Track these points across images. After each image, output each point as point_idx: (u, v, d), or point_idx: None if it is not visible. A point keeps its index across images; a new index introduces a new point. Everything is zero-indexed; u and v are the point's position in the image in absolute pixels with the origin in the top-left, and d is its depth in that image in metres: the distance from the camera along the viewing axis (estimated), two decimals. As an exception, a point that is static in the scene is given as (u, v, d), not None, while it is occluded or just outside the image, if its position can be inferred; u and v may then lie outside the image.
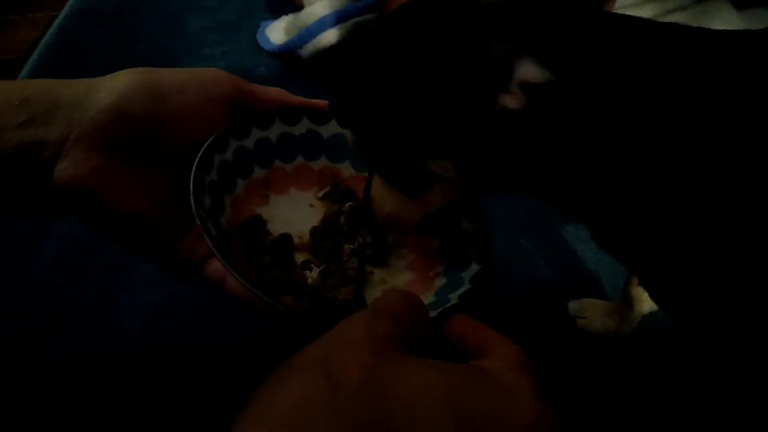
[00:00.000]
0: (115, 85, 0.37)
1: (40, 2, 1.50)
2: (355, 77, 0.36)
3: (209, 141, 0.38)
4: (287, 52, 0.84)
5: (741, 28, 0.84)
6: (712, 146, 0.31)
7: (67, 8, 1.00)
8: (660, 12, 0.87)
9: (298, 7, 0.87)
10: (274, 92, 0.43)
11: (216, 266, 0.40)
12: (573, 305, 0.56)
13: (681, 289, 0.37)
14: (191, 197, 0.36)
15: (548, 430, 0.28)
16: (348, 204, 0.44)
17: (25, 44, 1.28)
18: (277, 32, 0.88)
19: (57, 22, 0.97)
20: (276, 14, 0.92)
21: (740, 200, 0.31)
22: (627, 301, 0.53)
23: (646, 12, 0.87)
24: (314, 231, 0.43)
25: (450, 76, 0.32)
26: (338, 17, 0.79)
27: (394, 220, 0.40)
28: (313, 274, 0.40)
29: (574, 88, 0.31)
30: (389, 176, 0.38)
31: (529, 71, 0.31)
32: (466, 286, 0.39)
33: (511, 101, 0.32)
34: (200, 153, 0.38)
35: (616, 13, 0.35)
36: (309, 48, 0.81)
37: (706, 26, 0.86)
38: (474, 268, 0.40)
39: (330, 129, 0.46)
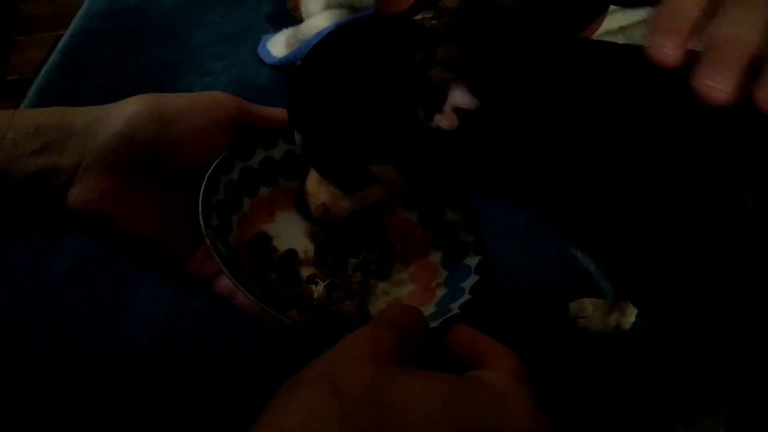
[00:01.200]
0: (123, 113, 0.39)
1: (47, 23, 1.52)
2: (308, 82, 0.39)
3: (216, 162, 0.40)
4: (288, 65, 0.86)
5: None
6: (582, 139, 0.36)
7: (71, 28, 1.02)
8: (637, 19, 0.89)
9: (298, 21, 0.89)
10: (276, 112, 0.45)
11: (225, 282, 0.42)
12: (573, 305, 0.58)
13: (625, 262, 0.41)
14: (200, 217, 0.37)
15: None
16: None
17: (33, 64, 1.30)
18: (277, 45, 0.90)
19: (62, 41, 0.99)
20: (277, 28, 0.93)
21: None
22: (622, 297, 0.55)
23: (640, 14, 0.89)
24: (319, 246, 0.45)
25: (394, 91, 0.36)
26: (337, 30, 0.81)
27: (328, 210, 0.42)
28: (318, 288, 0.41)
29: (496, 112, 0.35)
30: (329, 174, 0.41)
31: (461, 97, 0.34)
32: (467, 296, 0.40)
33: (444, 122, 0.35)
34: (208, 174, 0.39)
35: (565, 38, 0.39)
36: (309, 60, 0.83)
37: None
38: (473, 278, 0.41)
39: None
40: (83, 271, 0.66)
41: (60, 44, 0.98)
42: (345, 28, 0.40)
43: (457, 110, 0.35)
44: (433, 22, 0.35)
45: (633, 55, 0.37)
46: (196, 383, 0.55)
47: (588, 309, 0.58)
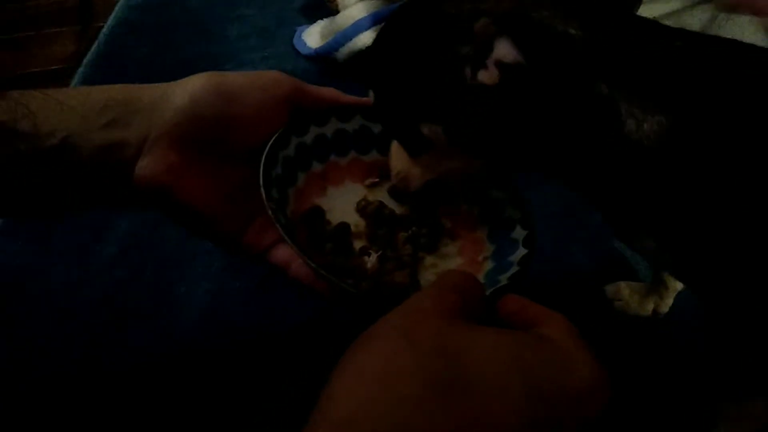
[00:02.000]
0: (187, 89, 0.40)
1: (81, 15, 1.56)
2: (380, 42, 0.42)
3: (273, 138, 0.42)
4: (324, 56, 0.88)
5: (769, 18, 0.85)
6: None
7: (111, 20, 1.04)
8: (688, 4, 0.88)
9: (332, 12, 0.90)
10: (328, 92, 0.46)
11: (280, 253, 0.43)
12: (610, 288, 0.59)
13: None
14: (262, 189, 0.39)
15: (603, 393, 0.31)
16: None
17: (69, 55, 1.33)
18: (313, 36, 0.91)
19: (103, 32, 1.01)
20: (311, 19, 0.95)
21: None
22: (660, 281, 0.56)
23: (674, 5, 0.89)
24: (371, 220, 0.46)
25: (441, 47, 0.37)
26: (373, 20, 0.82)
27: (403, 178, 0.45)
28: (371, 260, 0.43)
29: (539, 70, 0.35)
30: (396, 135, 0.43)
31: (504, 51, 0.34)
32: (515, 268, 0.41)
33: (486, 77, 0.35)
34: (266, 150, 0.41)
35: (611, 11, 0.38)
36: (345, 51, 0.84)
37: (735, 16, 0.87)
38: (522, 251, 0.42)
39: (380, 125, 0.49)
40: (131, 253, 0.68)
41: (100, 36, 1.00)
42: (401, 9, 0.42)
43: (499, 65, 0.34)
44: None
45: (679, 36, 0.38)
46: (242, 364, 0.57)
47: (625, 292, 0.58)
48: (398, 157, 0.45)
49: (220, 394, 0.54)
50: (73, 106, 0.40)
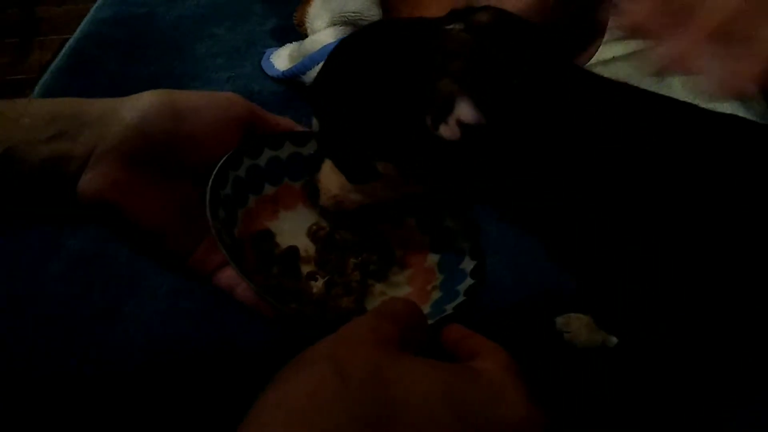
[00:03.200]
0: (137, 105, 0.40)
1: (52, 26, 1.55)
2: (332, 71, 0.42)
3: (225, 158, 0.41)
4: (291, 78, 0.88)
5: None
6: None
7: (78, 32, 1.03)
8: (646, 46, 0.91)
9: (302, 36, 0.91)
10: (284, 121, 0.47)
11: (226, 275, 0.43)
12: (560, 320, 0.59)
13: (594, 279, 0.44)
14: (207, 209, 0.39)
15: (535, 430, 0.30)
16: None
17: (37, 65, 1.31)
18: (281, 59, 0.91)
19: (68, 45, 1.00)
20: (281, 42, 0.95)
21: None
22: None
23: (634, 45, 0.91)
24: (320, 245, 0.46)
25: (405, 95, 0.37)
26: (340, 46, 0.83)
27: (338, 202, 0.44)
28: (317, 284, 0.43)
29: (499, 130, 0.37)
30: (339, 162, 0.43)
31: (466, 112, 0.35)
32: (461, 298, 0.41)
33: (447, 132, 0.36)
34: (216, 169, 0.41)
35: (568, 67, 0.41)
36: (312, 74, 0.85)
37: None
38: (469, 281, 0.42)
39: None
40: (79, 270, 0.66)
41: (66, 47, 0.99)
42: (375, 26, 0.43)
43: (460, 123, 0.36)
44: (462, 34, 0.37)
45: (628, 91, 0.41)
46: (190, 384, 0.56)
47: (574, 324, 0.59)
48: (332, 180, 0.44)
49: (166, 417, 0.53)
50: (18, 118, 0.39)
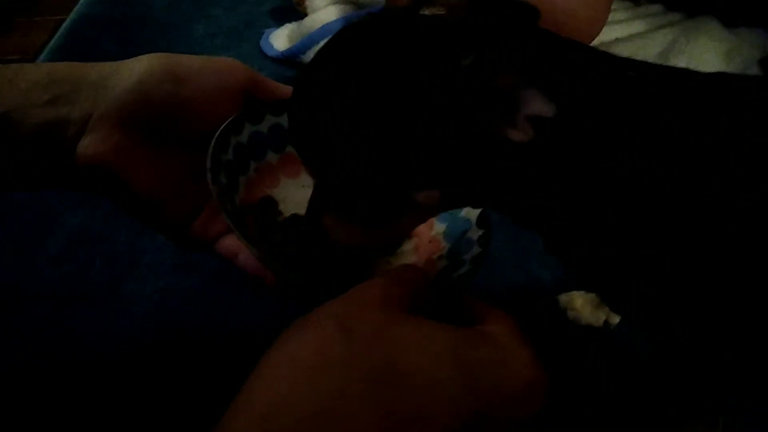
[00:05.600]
0: (137, 68, 0.39)
1: (49, 6, 1.54)
2: (320, 102, 0.33)
3: (226, 123, 0.41)
4: (290, 58, 0.87)
5: (727, 44, 0.87)
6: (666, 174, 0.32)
7: (74, 13, 1.03)
8: (650, 28, 0.90)
9: (302, 16, 0.90)
10: (285, 88, 0.46)
11: (227, 243, 0.42)
12: (563, 297, 0.59)
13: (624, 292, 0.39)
14: (208, 173, 0.38)
15: (539, 394, 0.30)
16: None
17: (34, 46, 1.31)
18: (280, 39, 0.91)
19: (65, 25, 0.99)
20: (280, 22, 0.94)
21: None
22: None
23: (636, 27, 0.91)
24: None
25: (449, 105, 0.30)
26: (341, 24, 0.82)
27: (355, 251, 0.38)
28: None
29: (574, 122, 0.31)
30: (355, 212, 0.36)
31: (538, 105, 0.29)
32: (467, 267, 0.41)
33: (518, 135, 0.30)
34: (217, 133, 0.40)
35: (585, 46, 0.35)
36: (311, 54, 0.84)
37: (695, 41, 0.89)
38: (476, 249, 0.42)
39: None
40: (80, 248, 0.66)
41: (62, 28, 0.98)
42: (349, 32, 0.33)
43: (533, 119, 0.30)
44: (462, 18, 0.31)
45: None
46: (189, 362, 0.56)
47: (577, 302, 0.59)
48: (341, 231, 0.37)
49: (166, 393, 0.53)
50: (15, 81, 0.38)
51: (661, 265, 0.34)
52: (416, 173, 0.32)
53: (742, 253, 0.32)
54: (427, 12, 0.32)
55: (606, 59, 0.34)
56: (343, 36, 0.33)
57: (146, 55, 0.40)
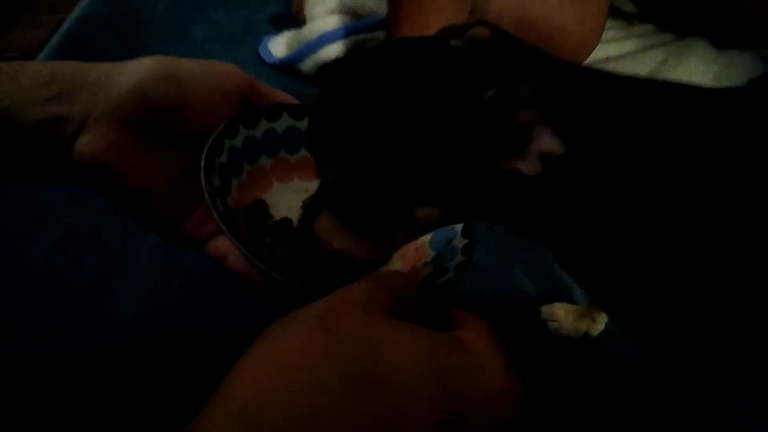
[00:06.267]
0: (137, 69, 0.40)
1: (49, 5, 1.54)
2: (346, 108, 0.34)
3: (221, 126, 0.42)
4: (288, 65, 0.89)
5: (717, 65, 0.89)
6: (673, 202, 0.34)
7: (75, 12, 1.04)
8: (641, 47, 0.92)
9: (300, 23, 0.92)
10: (281, 95, 0.47)
11: (218, 244, 0.43)
12: (545, 309, 0.60)
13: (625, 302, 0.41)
14: (201, 174, 0.39)
15: (513, 401, 0.31)
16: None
17: (33, 45, 1.31)
18: (279, 46, 0.92)
19: (65, 25, 1.00)
20: (279, 29, 0.96)
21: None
22: (593, 305, 0.57)
23: (629, 47, 0.92)
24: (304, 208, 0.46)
25: (464, 132, 0.32)
26: (339, 34, 0.83)
27: (344, 257, 0.39)
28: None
29: (581, 159, 0.32)
30: (358, 218, 0.37)
31: (549, 142, 0.31)
32: (450, 275, 0.42)
33: (527, 168, 0.31)
34: (212, 136, 0.41)
35: (600, 72, 0.36)
36: (309, 62, 0.86)
37: (685, 62, 0.90)
38: (459, 258, 0.43)
39: None
40: (71, 246, 0.67)
41: (63, 27, 0.99)
42: (377, 53, 0.35)
43: (542, 156, 0.31)
44: (489, 53, 0.33)
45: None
46: (178, 359, 0.56)
47: (559, 313, 0.60)
48: (334, 234, 0.38)
49: (153, 391, 0.53)
50: (17, 79, 0.39)
51: (663, 279, 0.36)
52: (422, 191, 0.34)
53: (744, 265, 0.34)
54: (454, 43, 0.34)
55: (617, 87, 0.35)
56: (377, 53, 0.35)
57: (146, 57, 0.41)
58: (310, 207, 0.39)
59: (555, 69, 0.33)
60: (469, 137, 0.32)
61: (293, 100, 0.47)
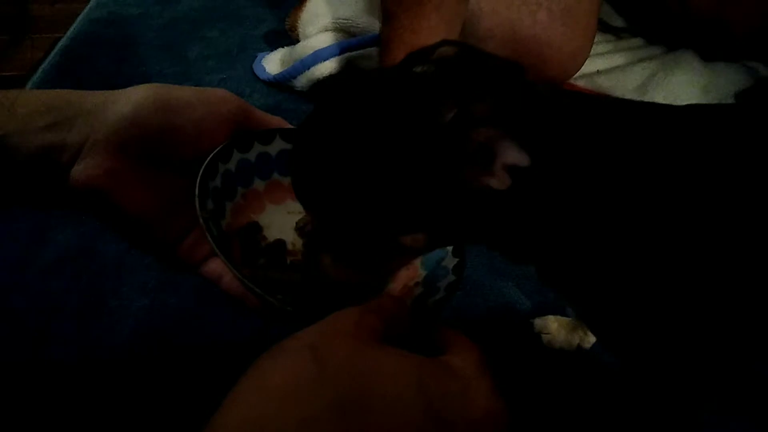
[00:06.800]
0: (131, 97, 0.41)
1: (46, 24, 1.55)
2: (317, 154, 0.35)
3: (215, 151, 0.42)
4: (282, 82, 0.90)
5: (704, 78, 0.90)
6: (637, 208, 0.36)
7: (71, 31, 1.05)
8: (630, 61, 0.93)
9: (294, 41, 0.93)
10: (274, 120, 0.47)
11: (213, 266, 0.44)
12: (538, 321, 0.61)
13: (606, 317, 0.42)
14: (196, 199, 0.39)
15: (499, 422, 0.32)
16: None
17: (29, 63, 1.32)
18: (273, 63, 0.93)
19: (61, 43, 1.01)
20: (273, 46, 0.97)
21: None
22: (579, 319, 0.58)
23: (617, 60, 0.94)
24: (307, 240, 0.47)
25: (430, 156, 0.33)
26: (332, 52, 0.84)
27: (347, 287, 0.40)
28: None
29: (549, 169, 0.34)
30: (350, 256, 0.39)
31: (512, 154, 0.32)
32: (441, 294, 0.43)
33: (496, 182, 0.33)
34: (206, 161, 0.41)
35: (565, 91, 0.39)
36: (303, 79, 0.87)
37: (673, 74, 0.91)
38: (450, 278, 0.44)
39: None
40: (68, 264, 0.67)
41: (58, 46, 1.00)
42: (344, 90, 0.36)
43: (509, 169, 0.32)
44: (446, 73, 0.34)
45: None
46: (173, 377, 0.57)
47: (552, 326, 0.60)
48: (339, 271, 0.39)
49: (149, 408, 0.54)
50: (14, 108, 0.40)
51: (635, 289, 0.38)
52: (402, 219, 0.35)
53: (717, 272, 0.36)
54: (418, 69, 0.35)
55: (583, 104, 0.37)
56: (340, 91, 0.36)
57: (142, 85, 0.42)
58: (311, 245, 0.41)
59: (519, 84, 0.34)
60: (435, 160, 0.33)
61: (286, 124, 0.48)
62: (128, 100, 0.41)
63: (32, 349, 0.59)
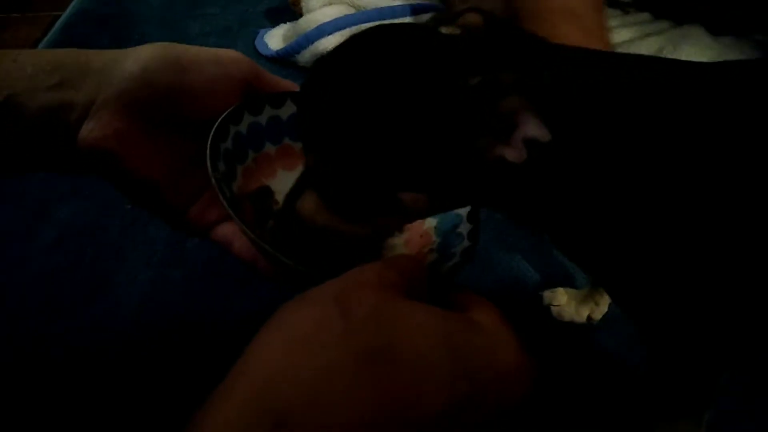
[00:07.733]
0: (141, 56, 0.40)
1: (44, 2, 1.54)
2: (329, 93, 0.34)
3: (226, 112, 0.41)
4: (284, 58, 0.88)
5: (713, 52, 0.89)
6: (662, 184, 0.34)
7: (70, 8, 1.04)
8: (638, 35, 0.92)
9: (297, 17, 0.91)
10: (286, 83, 0.47)
11: (223, 231, 0.43)
12: (548, 293, 0.60)
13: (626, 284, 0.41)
14: (208, 161, 0.39)
15: (527, 379, 0.31)
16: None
17: (28, 42, 1.31)
18: (275, 39, 0.92)
19: (60, 21, 1.00)
20: (275, 22, 0.96)
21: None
22: (596, 289, 0.57)
23: (624, 35, 0.93)
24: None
25: (448, 118, 0.32)
26: (337, 25, 0.83)
27: (331, 235, 0.39)
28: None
29: (569, 146, 0.33)
30: (340, 202, 0.37)
31: (535, 129, 0.31)
32: (456, 259, 0.42)
33: (512, 154, 0.32)
34: (217, 122, 0.41)
35: (595, 53, 0.37)
36: (306, 54, 0.85)
37: (681, 49, 0.90)
38: (465, 243, 0.43)
39: None
40: (71, 239, 0.67)
41: (58, 24, 0.99)
42: (369, 34, 0.35)
43: (528, 142, 0.31)
44: (475, 39, 0.33)
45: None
46: (179, 352, 0.56)
47: (562, 298, 0.60)
48: (320, 213, 0.38)
49: (157, 383, 0.53)
50: (22, 66, 0.39)
51: (656, 258, 0.36)
52: (405, 175, 0.34)
53: (731, 239, 0.34)
54: (444, 30, 0.34)
55: (609, 68, 0.36)
56: (367, 38, 0.35)
57: (150, 44, 0.41)
58: (295, 186, 0.39)
59: (545, 56, 0.33)
60: (452, 123, 0.32)
61: (297, 89, 0.47)
62: (138, 59, 0.40)
63: (37, 326, 0.59)
